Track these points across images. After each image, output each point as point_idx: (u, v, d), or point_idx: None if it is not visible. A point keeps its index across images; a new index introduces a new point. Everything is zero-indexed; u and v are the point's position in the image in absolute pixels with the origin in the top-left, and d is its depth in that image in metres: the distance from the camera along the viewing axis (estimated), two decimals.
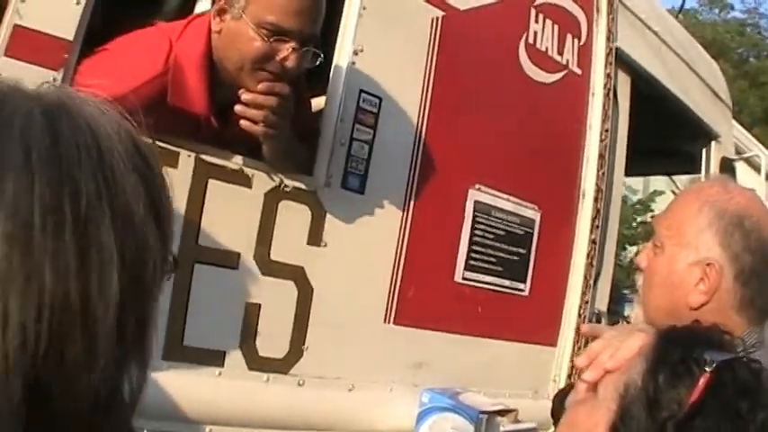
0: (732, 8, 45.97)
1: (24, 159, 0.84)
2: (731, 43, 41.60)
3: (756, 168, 7.55)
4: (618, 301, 5.46)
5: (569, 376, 3.69)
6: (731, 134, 5.89)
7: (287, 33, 2.51)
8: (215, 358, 2.52)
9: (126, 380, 0.92)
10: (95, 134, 0.90)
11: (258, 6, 2.50)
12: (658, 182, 14.49)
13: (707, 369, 1.28)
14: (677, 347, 1.35)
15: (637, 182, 15.87)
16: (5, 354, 0.79)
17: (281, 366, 2.69)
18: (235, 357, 2.58)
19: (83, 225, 0.85)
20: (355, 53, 2.89)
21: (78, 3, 2.29)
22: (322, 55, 2.62)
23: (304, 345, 2.73)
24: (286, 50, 2.51)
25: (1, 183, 0.82)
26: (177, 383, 2.36)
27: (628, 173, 4.70)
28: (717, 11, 45.47)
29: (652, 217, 15.08)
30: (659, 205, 15.25)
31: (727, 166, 5.43)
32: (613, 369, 1.41)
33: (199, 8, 3.43)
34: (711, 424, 1.25)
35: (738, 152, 6.32)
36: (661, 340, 1.40)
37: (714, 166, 5.36)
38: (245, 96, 2.48)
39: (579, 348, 3.74)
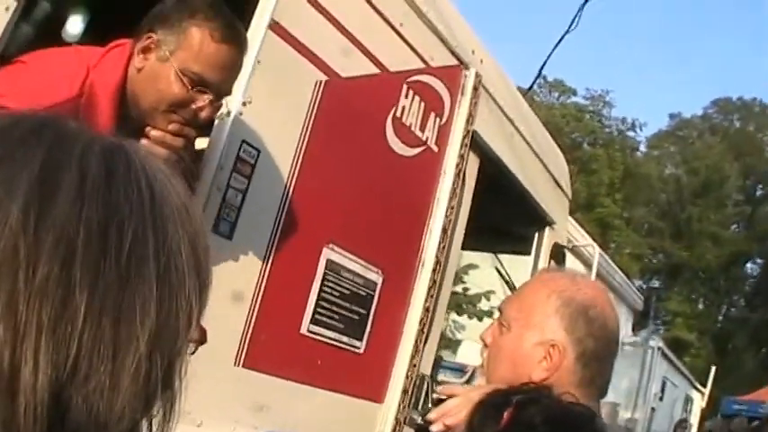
0: (574, 93, 47.28)
1: (78, 185, 0.85)
2: (565, 127, 42.76)
3: (585, 260, 7.86)
4: (437, 367, 5.64)
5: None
6: (566, 222, 6.18)
7: (208, 85, 2.61)
8: None
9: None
10: (150, 180, 0.92)
11: (187, 54, 2.59)
12: (472, 256, 14.74)
13: (511, 405, 1.52)
14: (494, 397, 1.59)
15: None
16: (36, 366, 0.79)
17: None
18: None
19: (125, 258, 0.85)
20: (244, 104, 3.01)
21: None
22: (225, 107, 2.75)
23: None
24: (203, 101, 2.61)
25: (52, 204, 0.83)
26: None
27: (463, 246, 4.89)
28: (556, 95, 46.68)
29: (464, 289, 15.40)
30: (472, 278, 15.62)
31: (558, 253, 5.71)
32: (453, 425, 1.66)
33: (70, 25, 3.43)
34: None
35: (569, 242, 6.61)
36: (485, 395, 1.64)
37: (545, 251, 5.65)
38: (154, 133, 2.55)
39: (404, 407, 3.90)
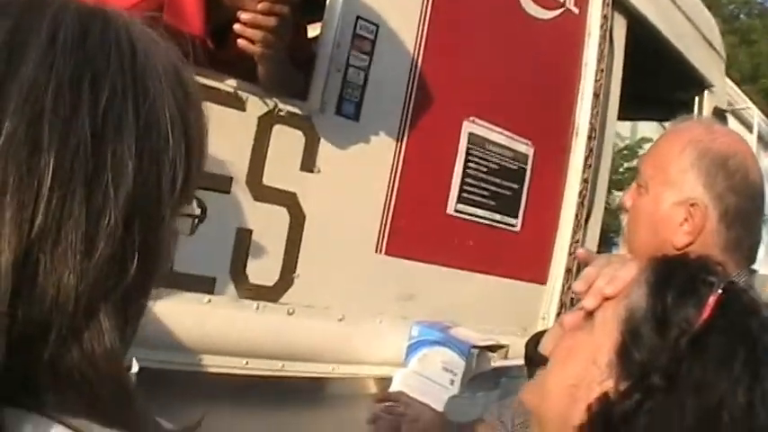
0: None
1: (49, 41, 0.81)
2: None
3: (746, 124, 7.54)
4: (606, 243, 5.46)
5: (559, 315, 3.68)
6: (724, 85, 5.86)
7: None
8: (205, 285, 2.49)
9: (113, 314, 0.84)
10: (132, 40, 0.88)
11: None
12: (646, 128, 14.42)
13: (714, 289, 1.28)
14: (679, 271, 1.34)
15: (624, 128, 15.87)
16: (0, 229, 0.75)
17: (271, 294, 2.66)
18: (225, 284, 2.55)
19: (101, 114, 0.81)
20: None
21: None
22: None
23: (295, 273, 2.71)
24: None
25: (22, 59, 0.79)
26: (166, 311, 2.31)
27: (621, 117, 4.66)
28: None
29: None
30: (646, 151, 15.31)
31: (719, 117, 5.40)
32: (612, 295, 1.39)
33: None
34: (724, 340, 1.25)
35: (729, 105, 6.30)
36: (660, 266, 1.39)
37: (706, 115, 5.31)
38: (244, 16, 2.41)
39: (569, 288, 3.72)
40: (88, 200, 0.79)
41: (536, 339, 2.17)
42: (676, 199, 2.06)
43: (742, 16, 43.74)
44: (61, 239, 0.77)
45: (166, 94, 0.89)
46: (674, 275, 1.33)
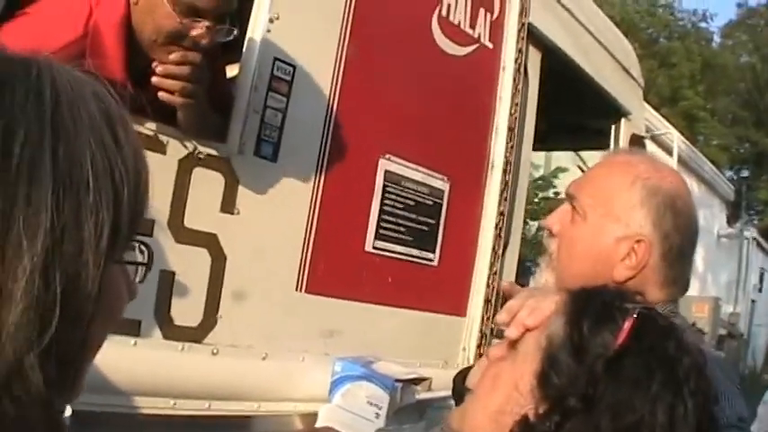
0: None
1: None
2: (641, 23, 42.40)
3: (666, 148, 7.69)
4: (523, 273, 5.52)
5: (479, 346, 3.72)
6: (642, 112, 5.97)
7: (201, 12, 2.51)
8: (131, 328, 2.48)
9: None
10: (57, 88, 0.88)
11: None
12: (561, 158, 14.60)
13: (629, 315, 1.35)
14: (595, 299, 1.41)
15: (539, 157, 16.06)
16: None
17: (195, 335, 2.67)
18: (151, 327, 2.55)
19: (15, 162, 0.81)
20: (270, 21, 2.85)
21: None
22: (236, 30, 2.62)
23: (218, 313, 2.72)
24: (199, 29, 2.51)
25: None
26: None
27: (536, 147, 4.73)
28: None
29: (555, 193, 15.30)
30: (562, 182, 15.38)
31: (638, 144, 5.50)
32: (534, 326, 1.47)
33: None
34: (640, 362, 1.31)
35: (648, 131, 6.41)
36: (577, 296, 1.46)
37: (624, 143, 5.42)
38: (159, 69, 2.45)
39: (489, 319, 3.77)
40: (2, 251, 0.79)
41: (463, 374, 2.20)
42: (621, 234, 2.07)
43: (662, 39, 44.49)
44: None
45: (91, 140, 0.88)
46: (590, 304, 1.39)
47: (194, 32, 2.51)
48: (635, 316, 1.35)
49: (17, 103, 0.84)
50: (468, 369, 2.26)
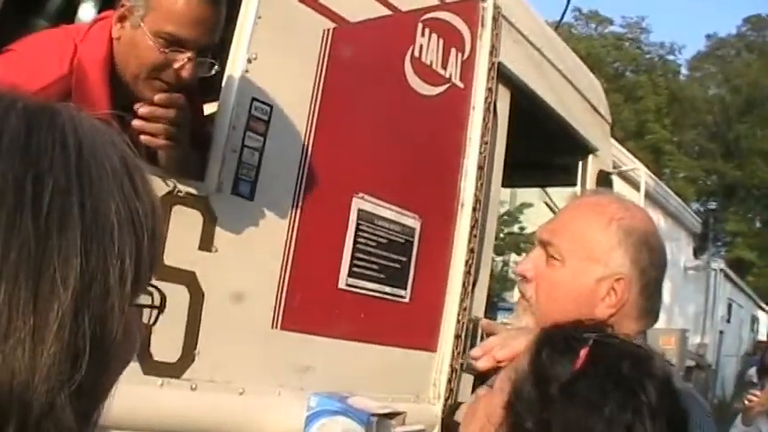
0: (611, 23, 47.19)
1: None
2: (607, 57, 42.69)
3: (633, 183, 7.77)
4: (491, 308, 5.57)
5: (449, 381, 3.75)
6: (609, 148, 6.02)
7: (183, 43, 2.57)
8: None
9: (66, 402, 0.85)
10: (79, 137, 0.90)
11: (156, 15, 2.55)
12: (526, 194, 14.70)
13: (585, 343, 1.44)
14: (556, 334, 1.51)
15: (505, 193, 16.18)
16: None
17: (174, 371, 2.70)
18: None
19: (45, 211, 0.83)
20: (249, 61, 2.91)
21: None
22: (217, 65, 2.68)
23: (196, 349, 2.75)
24: (182, 60, 2.57)
25: None
26: None
27: (504, 184, 4.78)
28: (593, 26, 46.54)
29: (521, 228, 15.39)
30: (528, 217, 15.51)
31: (605, 180, 5.56)
32: (504, 360, 1.58)
33: (82, 12, 3.43)
34: (596, 385, 1.40)
35: (615, 166, 6.47)
36: (541, 332, 1.55)
37: (591, 180, 5.48)
38: (142, 110, 2.46)
39: (459, 354, 3.82)
40: (35, 296, 0.81)
41: (453, 409, 2.27)
42: (601, 274, 2.14)
43: (628, 73, 44.79)
44: (11, 334, 0.80)
45: (113, 189, 0.90)
46: (551, 338, 1.50)
47: (177, 64, 2.57)
48: (590, 343, 1.43)
49: (44, 152, 0.86)
50: (458, 405, 2.33)
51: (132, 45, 2.60)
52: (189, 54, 2.57)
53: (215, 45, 2.69)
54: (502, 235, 15.11)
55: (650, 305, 2.20)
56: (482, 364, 1.85)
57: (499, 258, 12.78)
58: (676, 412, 1.43)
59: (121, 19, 2.63)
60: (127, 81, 2.64)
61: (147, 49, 2.56)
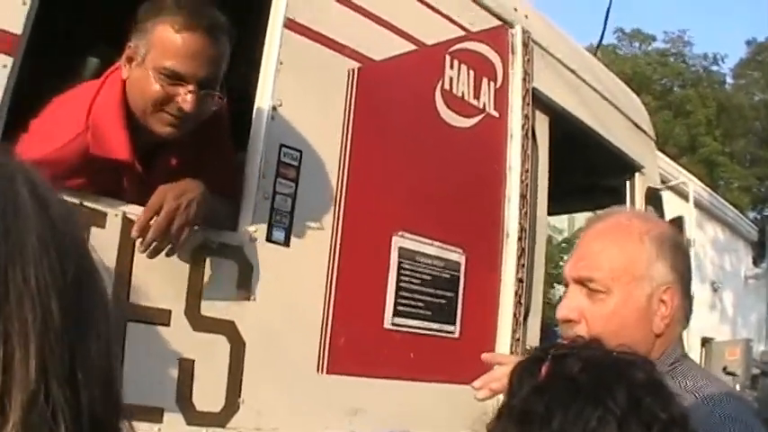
0: (654, 39, 46.91)
1: None
2: (653, 75, 42.43)
3: (684, 196, 7.69)
4: (549, 337, 5.52)
5: None
6: (655, 164, 5.96)
7: (183, 77, 2.63)
8: (154, 415, 2.50)
9: None
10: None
11: (156, 52, 2.63)
12: (582, 218, 14.71)
13: (549, 357, 1.51)
14: (528, 357, 1.62)
15: (561, 221, 16.08)
16: None
17: (218, 420, 2.68)
18: (173, 413, 2.56)
19: None
20: (274, 108, 2.92)
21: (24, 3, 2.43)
22: (225, 99, 2.74)
23: (240, 398, 2.73)
24: (183, 93, 2.62)
25: None
26: None
27: (552, 212, 4.74)
28: (637, 44, 46.36)
29: None
30: None
31: (654, 196, 5.50)
32: (498, 391, 1.71)
33: None
34: (551, 398, 1.44)
35: (664, 181, 6.41)
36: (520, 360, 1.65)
37: (639, 197, 5.41)
38: (134, 234, 2.48)
39: None
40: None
41: None
42: (650, 290, 2.12)
43: (675, 89, 44.45)
44: None
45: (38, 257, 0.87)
46: (525, 361, 1.60)
47: (178, 97, 2.62)
48: (553, 356, 1.51)
49: None
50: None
51: (138, 83, 2.67)
52: (190, 87, 2.63)
53: (218, 79, 2.73)
54: (561, 263, 15.02)
55: (689, 304, 2.19)
56: (480, 395, 2.04)
57: (560, 287, 12.68)
58: (655, 419, 1.41)
59: (129, 60, 2.71)
60: (139, 117, 2.70)
61: (150, 85, 2.63)
